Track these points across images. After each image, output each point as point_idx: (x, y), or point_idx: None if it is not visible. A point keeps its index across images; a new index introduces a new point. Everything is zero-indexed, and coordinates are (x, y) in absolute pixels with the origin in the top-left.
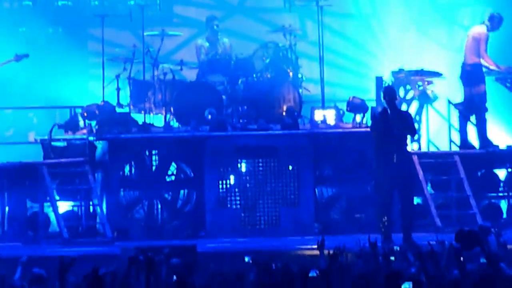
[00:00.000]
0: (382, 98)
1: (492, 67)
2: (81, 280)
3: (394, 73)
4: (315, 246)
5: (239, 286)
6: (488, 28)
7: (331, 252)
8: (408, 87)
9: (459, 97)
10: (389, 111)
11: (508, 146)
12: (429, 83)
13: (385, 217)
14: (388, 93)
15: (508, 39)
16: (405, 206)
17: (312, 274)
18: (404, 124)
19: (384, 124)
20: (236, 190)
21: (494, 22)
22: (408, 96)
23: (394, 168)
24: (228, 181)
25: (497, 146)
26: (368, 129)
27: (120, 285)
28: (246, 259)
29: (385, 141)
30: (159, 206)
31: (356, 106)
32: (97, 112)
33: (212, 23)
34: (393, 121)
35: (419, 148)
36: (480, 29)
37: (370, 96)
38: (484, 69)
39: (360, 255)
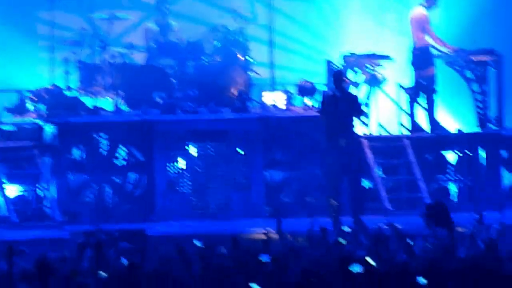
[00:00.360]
0: (332, 82)
1: (440, 46)
2: (31, 265)
3: (344, 57)
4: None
5: (189, 271)
6: (425, 7)
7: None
8: (357, 70)
9: (408, 80)
10: (337, 95)
11: (458, 130)
12: (379, 66)
13: (335, 201)
14: (337, 77)
15: (464, 21)
16: (354, 189)
17: (265, 259)
18: (351, 106)
19: (333, 107)
20: (187, 174)
21: (430, 0)
22: (358, 80)
23: (342, 151)
24: (178, 165)
25: (447, 129)
26: (317, 113)
27: (69, 269)
28: (197, 243)
29: (333, 124)
30: (109, 190)
31: (306, 90)
32: (46, 95)
33: (162, 6)
34: (341, 104)
35: (369, 132)
36: (419, 11)
37: (320, 80)
38: (435, 52)
39: (310, 239)
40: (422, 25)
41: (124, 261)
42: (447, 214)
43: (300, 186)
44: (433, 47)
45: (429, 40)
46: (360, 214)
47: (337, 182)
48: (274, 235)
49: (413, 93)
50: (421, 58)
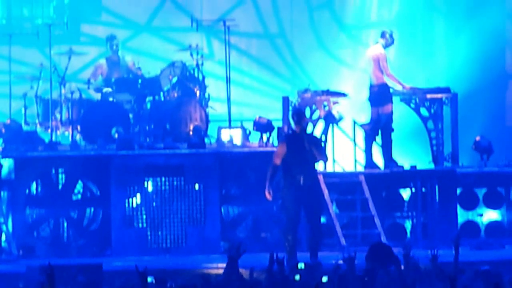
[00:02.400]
0: (290, 119)
1: (397, 85)
2: None
3: (300, 93)
4: (221, 265)
5: None
6: (383, 45)
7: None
8: (314, 107)
9: (364, 117)
10: (296, 132)
11: (412, 167)
12: (335, 103)
13: (290, 236)
14: (296, 114)
15: (409, 59)
16: (313, 226)
17: None
18: (313, 147)
19: (292, 145)
20: (143, 208)
21: (386, 38)
22: (314, 116)
23: (301, 188)
24: (134, 200)
25: (402, 167)
26: (273, 149)
27: None
28: (149, 279)
29: (291, 161)
30: (65, 224)
31: (262, 126)
32: (3, 130)
33: (111, 42)
34: (299, 142)
35: (325, 168)
36: (376, 49)
37: (276, 116)
38: (392, 90)
39: (267, 274)
40: (379, 63)
41: None
42: (390, 252)
43: (256, 221)
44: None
45: (385, 78)
46: (317, 250)
47: (294, 218)
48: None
49: (369, 130)
50: (379, 95)
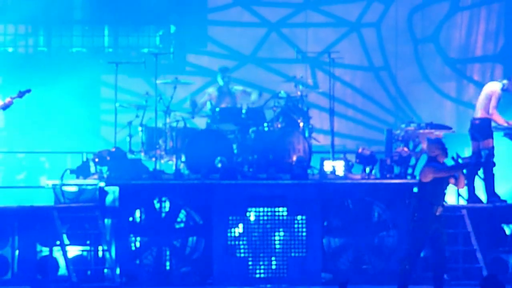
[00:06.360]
0: (433, 149)
1: (501, 123)
2: None
3: (403, 126)
4: None
5: None
6: (504, 86)
7: None
8: (417, 140)
9: (467, 151)
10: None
11: None
12: (439, 137)
13: (408, 266)
14: (446, 147)
15: None
16: (440, 258)
17: None
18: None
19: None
20: (244, 238)
21: (510, 83)
22: (417, 149)
23: (435, 220)
24: (236, 229)
25: (505, 201)
26: (376, 181)
27: None
28: None
29: (435, 192)
30: (168, 252)
31: (365, 158)
32: (108, 158)
33: (224, 74)
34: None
35: None
36: (494, 86)
37: (379, 148)
38: (493, 124)
39: None
40: (490, 100)
41: None
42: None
43: (357, 253)
44: (494, 121)
45: (490, 116)
46: (442, 284)
47: (420, 249)
48: None
49: (471, 164)
50: (481, 129)
